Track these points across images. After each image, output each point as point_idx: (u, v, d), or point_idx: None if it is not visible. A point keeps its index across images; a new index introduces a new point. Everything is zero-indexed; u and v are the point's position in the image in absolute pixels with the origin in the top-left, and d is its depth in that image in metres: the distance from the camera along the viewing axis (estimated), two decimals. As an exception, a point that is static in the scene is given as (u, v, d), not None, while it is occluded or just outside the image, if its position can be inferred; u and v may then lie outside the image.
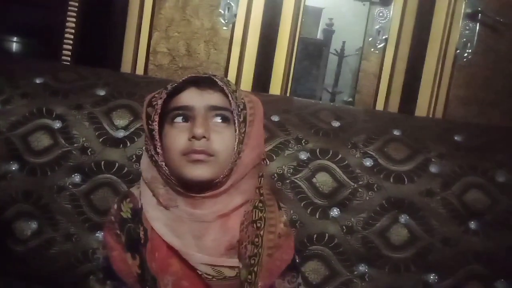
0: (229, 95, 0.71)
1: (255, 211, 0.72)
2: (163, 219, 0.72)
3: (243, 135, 0.71)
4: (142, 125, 0.98)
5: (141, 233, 0.73)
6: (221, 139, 0.70)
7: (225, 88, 0.71)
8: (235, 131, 0.71)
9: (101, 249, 0.90)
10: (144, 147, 0.76)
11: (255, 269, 0.69)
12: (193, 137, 0.68)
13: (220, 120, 0.71)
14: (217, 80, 0.71)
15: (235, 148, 0.70)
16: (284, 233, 0.74)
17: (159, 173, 0.72)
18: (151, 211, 0.73)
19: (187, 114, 0.70)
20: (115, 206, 0.77)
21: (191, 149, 0.68)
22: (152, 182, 0.73)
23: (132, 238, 0.74)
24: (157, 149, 0.71)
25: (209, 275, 0.70)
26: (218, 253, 0.71)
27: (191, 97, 0.71)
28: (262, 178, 0.76)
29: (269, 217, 0.73)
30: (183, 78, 0.72)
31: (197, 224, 0.70)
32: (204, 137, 0.68)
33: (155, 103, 0.71)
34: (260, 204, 0.73)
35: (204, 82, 0.71)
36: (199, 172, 0.68)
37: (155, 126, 0.70)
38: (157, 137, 0.71)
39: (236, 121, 0.71)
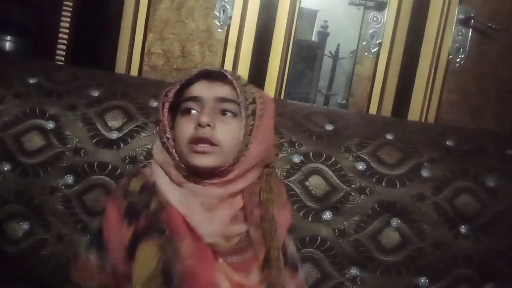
0: (238, 89, 0.74)
1: (262, 193, 0.77)
2: (176, 194, 0.75)
3: (251, 127, 0.75)
4: (135, 126, 0.99)
5: (154, 204, 0.74)
6: (226, 129, 0.73)
7: (234, 81, 0.75)
8: (241, 122, 0.74)
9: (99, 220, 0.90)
10: (158, 134, 0.79)
11: (274, 243, 0.75)
12: (199, 124, 0.72)
13: (226, 113, 0.75)
14: (227, 74, 0.75)
15: (242, 139, 0.74)
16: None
17: (170, 157, 0.77)
18: (165, 186, 0.76)
19: (196, 104, 0.74)
20: (124, 181, 0.79)
21: (196, 137, 0.72)
22: (163, 164, 0.77)
23: (133, 205, 0.75)
24: (167, 134, 0.76)
25: (217, 243, 0.73)
26: (225, 223, 0.75)
27: (200, 89, 0.75)
28: (272, 169, 0.81)
29: (276, 196, 0.78)
30: (196, 72, 0.77)
31: (208, 198, 0.75)
32: (209, 125, 0.72)
33: (169, 93, 0.76)
34: (267, 187, 0.78)
35: (214, 75, 0.76)
36: (203, 161, 0.73)
37: (165, 112, 0.76)
38: (166, 122, 0.75)
39: (244, 113, 0.74)
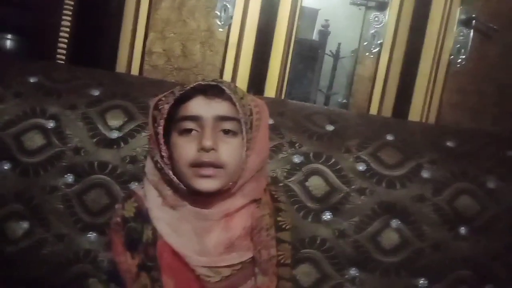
0: (237, 104, 0.71)
1: (266, 216, 0.75)
2: (167, 218, 0.73)
3: (249, 141, 0.73)
4: (136, 126, 0.99)
5: (149, 232, 0.73)
6: (229, 149, 0.71)
7: (232, 96, 0.72)
8: (243, 139, 0.72)
9: (105, 251, 0.90)
10: (148, 152, 0.76)
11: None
12: (202, 148, 0.69)
13: (228, 132, 0.72)
14: (224, 88, 0.72)
15: (243, 155, 0.72)
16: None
17: (163, 178, 0.74)
18: (156, 211, 0.74)
19: (195, 124, 0.71)
20: (120, 205, 0.77)
21: (200, 161, 0.69)
22: (158, 184, 0.74)
23: (132, 237, 0.74)
24: (162, 152, 0.72)
25: (207, 276, 0.71)
26: (217, 252, 0.72)
27: (199, 106, 0.71)
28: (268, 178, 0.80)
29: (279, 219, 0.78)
30: (191, 85, 0.72)
31: (201, 222, 0.72)
32: (212, 149, 0.69)
33: (161, 107, 0.72)
34: (269, 211, 0.76)
35: (212, 91, 0.72)
36: (208, 185, 0.70)
37: (160, 130, 0.72)
38: (161, 141, 0.72)
39: (244, 129, 0.72)
